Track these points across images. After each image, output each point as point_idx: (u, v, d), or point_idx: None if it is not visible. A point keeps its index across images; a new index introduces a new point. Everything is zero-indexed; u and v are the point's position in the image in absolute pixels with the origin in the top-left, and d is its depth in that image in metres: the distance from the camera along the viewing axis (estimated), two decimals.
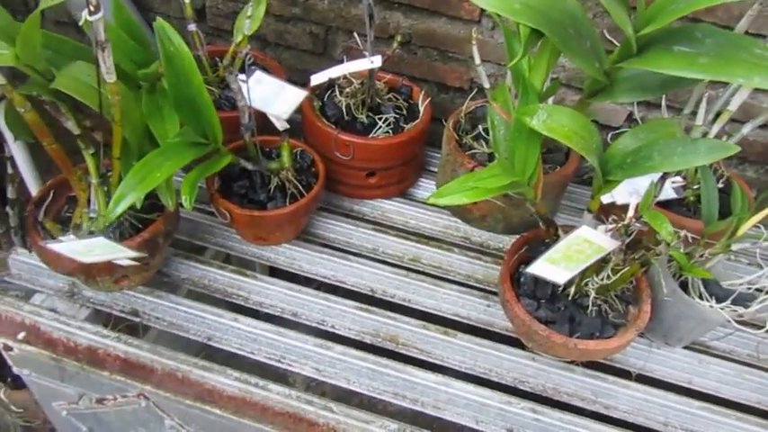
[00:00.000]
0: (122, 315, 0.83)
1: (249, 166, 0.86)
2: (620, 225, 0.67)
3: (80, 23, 0.67)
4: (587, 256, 0.70)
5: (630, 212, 0.65)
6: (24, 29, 0.56)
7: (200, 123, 0.73)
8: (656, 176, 0.69)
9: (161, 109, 0.74)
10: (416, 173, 1.06)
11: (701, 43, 0.53)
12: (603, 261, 0.73)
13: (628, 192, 0.86)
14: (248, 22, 0.95)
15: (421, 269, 0.93)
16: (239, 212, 0.83)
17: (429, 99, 1.00)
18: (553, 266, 0.71)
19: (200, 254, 0.93)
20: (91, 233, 0.75)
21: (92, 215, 0.76)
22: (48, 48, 0.65)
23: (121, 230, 0.78)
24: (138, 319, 0.83)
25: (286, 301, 0.86)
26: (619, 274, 0.71)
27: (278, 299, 0.86)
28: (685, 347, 0.85)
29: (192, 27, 0.95)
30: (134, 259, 0.74)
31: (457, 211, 0.99)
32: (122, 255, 0.72)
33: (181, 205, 0.76)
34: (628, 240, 0.70)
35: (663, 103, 1.00)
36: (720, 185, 0.90)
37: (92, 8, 0.53)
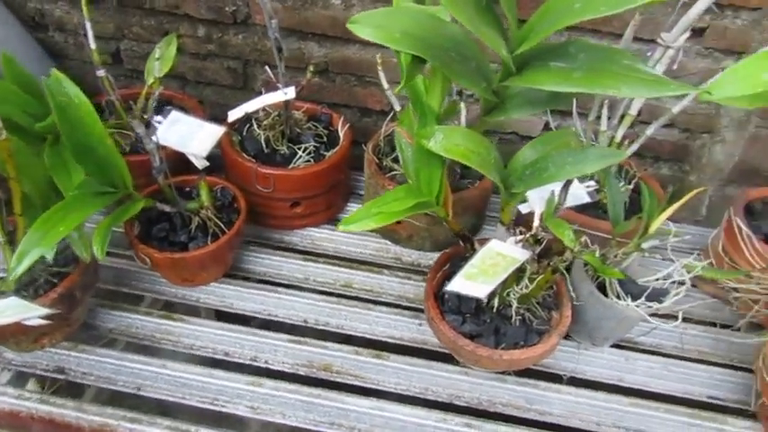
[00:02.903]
0: (47, 374, 0.80)
1: (168, 209, 0.85)
2: (527, 235, 0.68)
3: None
4: (503, 269, 0.72)
5: (536, 222, 0.67)
6: None
7: (106, 172, 0.72)
8: (558, 186, 0.71)
9: (66, 161, 0.73)
10: (344, 198, 1.06)
11: (575, 58, 0.55)
12: (520, 271, 0.75)
13: (544, 200, 0.89)
14: (158, 64, 0.95)
15: (353, 294, 0.93)
16: (159, 256, 0.82)
17: (348, 125, 1.01)
18: (471, 282, 0.72)
19: (131, 301, 0.91)
20: (1, 293, 0.73)
21: (1, 275, 0.74)
22: None
23: (36, 287, 0.76)
24: (63, 377, 0.80)
25: (216, 340, 0.85)
26: (534, 283, 0.73)
27: (208, 339, 0.85)
28: (614, 346, 0.87)
29: (101, 73, 0.93)
30: (49, 316, 0.72)
31: (385, 233, 1.00)
32: (34, 314, 0.70)
33: None
34: (539, 249, 0.72)
35: (574, 111, 1.03)
36: (632, 186, 0.94)
37: None
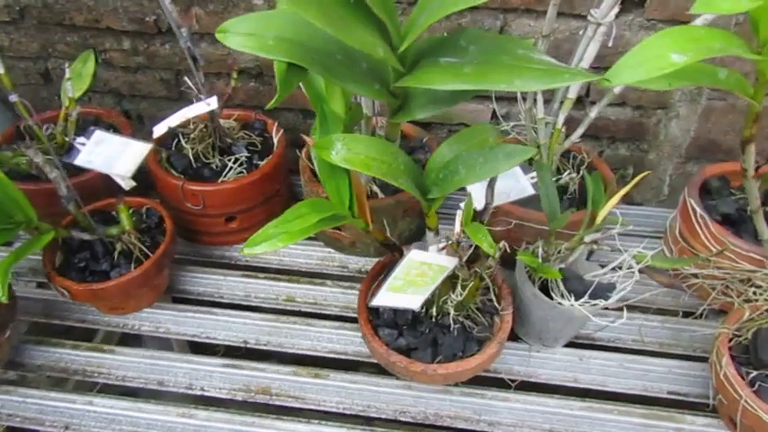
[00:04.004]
0: None
1: (87, 237, 0.80)
2: (450, 242, 0.64)
3: None
4: (432, 278, 0.67)
5: (456, 228, 0.63)
6: None
7: (1, 206, 0.67)
8: (478, 186, 0.67)
9: None
10: (285, 207, 0.99)
11: (466, 52, 0.50)
12: (454, 278, 0.70)
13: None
14: (70, 85, 0.90)
15: (296, 309, 0.89)
16: (78, 288, 0.77)
17: (282, 131, 0.97)
18: (400, 294, 0.68)
19: (60, 334, 0.86)
20: None
21: None
22: None
23: None
24: None
25: (149, 370, 0.81)
26: (467, 290, 0.68)
27: (140, 370, 0.81)
28: (568, 344, 0.83)
29: (14, 98, 0.88)
30: None
31: (328, 242, 0.95)
32: None
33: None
34: (469, 254, 0.67)
35: (518, 96, 0.98)
36: (580, 174, 0.89)
37: None
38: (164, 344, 1.02)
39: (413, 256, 0.63)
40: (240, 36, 0.50)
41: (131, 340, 0.96)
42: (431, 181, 0.61)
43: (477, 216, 0.69)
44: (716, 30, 0.55)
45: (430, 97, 0.57)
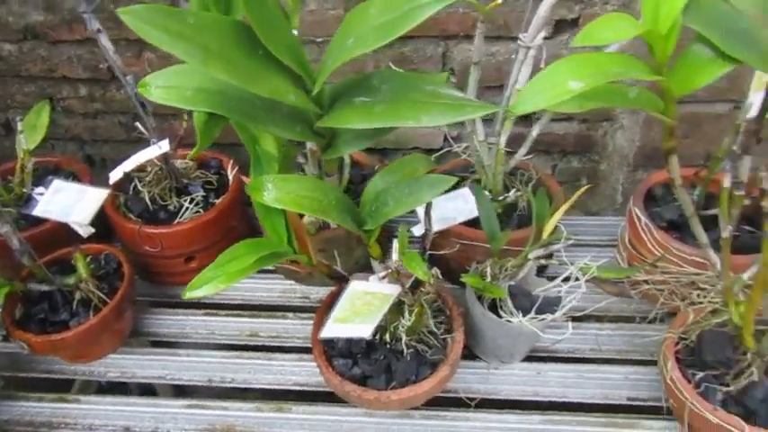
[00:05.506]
0: None
1: (45, 288, 0.81)
2: (389, 271, 0.65)
3: None
4: (378, 307, 0.69)
5: (393, 256, 0.64)
6: None
7: None
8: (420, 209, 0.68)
9: None
10: None
11: (378, 91, 0.52)
12: (401, 303, 0.72)
13: (437, 219, 0.85)
14: (23, 137, 0.92)
15: (260, 344, 0.90)
16: (37, 340, 0.78)
17: (237, 167, 0.98)
18: (348, 324, 0.69)
19: (26, 387, 0.87)
20: None
21: None
22: None
23: None
24: None
25: (115, 416, 0.81)
26: (413, 315, 0.70)
27: (106, 417, 0.81)
28: (526, 359, 0.84)
29: None
30: None
31: (287, 274, 0.97)
32: None
33: None
34: (412, 279, 0.69)
35: (478, 119, 1.00)
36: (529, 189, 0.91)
37: None
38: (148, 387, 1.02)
39: (355, 286, 0.65)
40: (160, 89, 0.52)
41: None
42: (366, 213, 0.63)
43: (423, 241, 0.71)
44: (616, 54, 0.58)
45: (354, 133, 0.59)
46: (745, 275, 0.72)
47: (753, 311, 0.65)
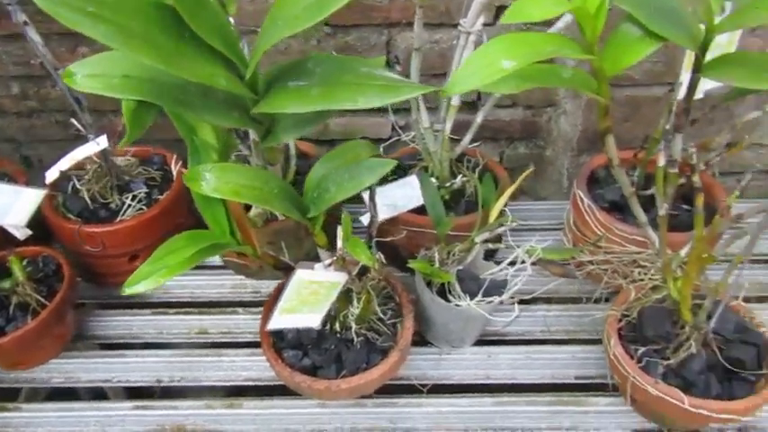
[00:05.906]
0: None
1: None
2: (335, 258, 0.65)
3: None
4: (325, 296, 0.68)
5: (339, 243, 0.64)
6: None
7: None
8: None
9: None
10: None
11: (313, 74, 0.51)
12: (349, 291, 0.71)
13: (386, 206, 0.85)
14: None
15: (210, 341, 0.88)
16: None
17: (181, 163, 0.96)
18: (295, 315, 0.68)
19: None
20: None
21: None
22: None
23: None
24: None
25: (59, 423, 0.79)
26: (361, 302, 0.69)
27: (49, 424, 0.79)
28: (477, 343, 0.85)
29: None
30: None
31: (237, 269, 0.95)
32: None
33: None
34: (359, 267, 0.68)
35: (420, 105, 1.00)
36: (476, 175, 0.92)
37: None
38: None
39: (300, 275, 0.64)
40: (85, 78, 0.50)
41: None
42: (308, 200, 0.63)
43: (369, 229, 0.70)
44: (548, 34, 0.59)
45: (294, 120, 0.59)
46: (683, 252, 0.75)
47: (689, 286, 0.67)
